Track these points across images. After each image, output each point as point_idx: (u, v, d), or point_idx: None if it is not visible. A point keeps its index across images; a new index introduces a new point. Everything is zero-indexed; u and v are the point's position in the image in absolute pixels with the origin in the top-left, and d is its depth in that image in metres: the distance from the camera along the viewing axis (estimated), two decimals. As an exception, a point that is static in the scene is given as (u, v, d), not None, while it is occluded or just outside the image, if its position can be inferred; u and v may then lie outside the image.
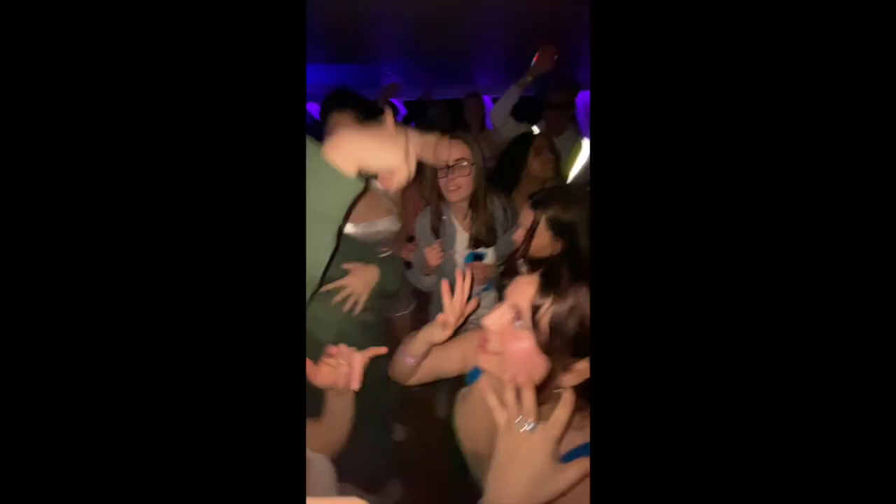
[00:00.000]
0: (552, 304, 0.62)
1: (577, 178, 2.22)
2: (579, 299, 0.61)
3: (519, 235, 1.25)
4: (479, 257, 1.49)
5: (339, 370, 0.79)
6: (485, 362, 0.68)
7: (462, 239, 1.52)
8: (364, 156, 0.58)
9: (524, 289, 0.64)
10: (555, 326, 0.62)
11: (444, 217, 1.53)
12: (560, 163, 1.80)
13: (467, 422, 0.82)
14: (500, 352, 0.65)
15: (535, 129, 2.06)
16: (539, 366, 0.64)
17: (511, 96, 2.08)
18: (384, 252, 1.54)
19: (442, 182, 1.40)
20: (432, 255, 1.43)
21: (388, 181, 0.63)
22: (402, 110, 3.26)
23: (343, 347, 0.81)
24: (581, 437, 0.64)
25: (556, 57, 1.95)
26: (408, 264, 1.65)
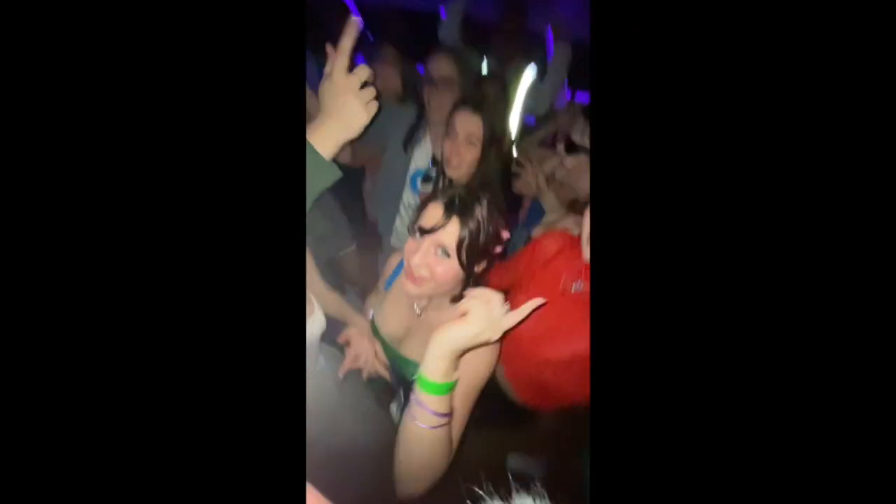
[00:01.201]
0: (468, 234, 0.82)
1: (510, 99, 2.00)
2: (484, 215, 0.82)
3: (448, 147, 1.32)
4: (428, 178, 1.49)
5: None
6: (415, 289, 0.87)
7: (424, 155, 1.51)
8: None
9: (446, 228, 0.83)
10: (469, 248, 0.82)
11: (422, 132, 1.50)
12: (505, 93, 1.78)
13: (388, 314, 1.06)
14: (429, 278, 0.85)
15: (484, 64, 2.07)
16: (458, 279, 0.87)
17: (455, 14, 2.01)
18: None
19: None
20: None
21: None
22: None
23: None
24: None
25: None
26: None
